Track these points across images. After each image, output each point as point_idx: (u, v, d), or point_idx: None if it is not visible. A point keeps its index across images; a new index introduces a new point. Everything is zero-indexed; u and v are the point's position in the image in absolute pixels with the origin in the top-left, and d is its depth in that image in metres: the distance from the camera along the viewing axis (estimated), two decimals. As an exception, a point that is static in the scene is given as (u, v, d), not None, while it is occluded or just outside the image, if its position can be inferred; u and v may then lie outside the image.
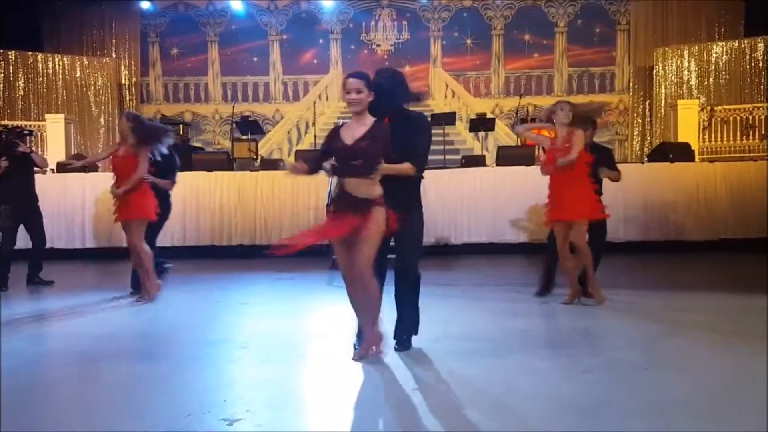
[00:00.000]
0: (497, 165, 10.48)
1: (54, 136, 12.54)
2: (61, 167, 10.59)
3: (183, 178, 9.64)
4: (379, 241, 3.79)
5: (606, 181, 5.91)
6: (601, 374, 3.63)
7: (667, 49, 14.45)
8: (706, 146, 12.49)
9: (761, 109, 12.68)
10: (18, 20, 14.05)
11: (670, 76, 14.33)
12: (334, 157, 3.88)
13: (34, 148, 8.80)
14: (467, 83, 15.54)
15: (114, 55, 15.38)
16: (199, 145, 14.52)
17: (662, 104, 14.33)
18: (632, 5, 15.18)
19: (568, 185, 5.40)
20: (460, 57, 15.57)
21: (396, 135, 3.80)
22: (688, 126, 12.29)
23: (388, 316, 4.09)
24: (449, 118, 12.41)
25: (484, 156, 11.89)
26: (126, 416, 3.11)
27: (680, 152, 10.54)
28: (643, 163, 11.37)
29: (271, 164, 11.33)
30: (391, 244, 4.05)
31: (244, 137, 12.94)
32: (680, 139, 11.75)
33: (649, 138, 14.83)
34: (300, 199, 10.09)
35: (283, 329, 4.97)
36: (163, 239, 7.44)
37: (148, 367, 3.97)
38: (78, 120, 14.11)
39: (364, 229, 3.72)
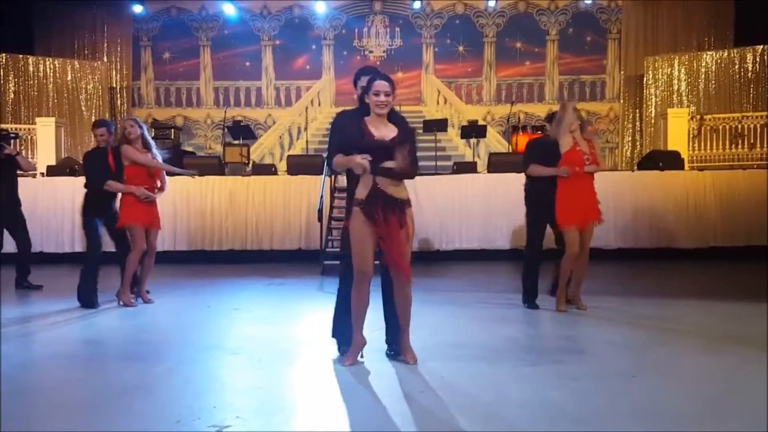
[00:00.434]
0: (488, 172, 10.53)
1: (44, 140, 12.49)
2: (51, 171, 10.55)
3: (174, 182, 9.67)
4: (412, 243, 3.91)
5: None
6: (590, 382, 3.64)
7: (657, 57, 14.57)
8: (696, 155, 12.59)
9: (750, 118, 12.79)
10: (9, 23, 14.00)
11: (660, 84, 14.44)
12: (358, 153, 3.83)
13: (19, 151, 8.71)
14: (459, 90, 15.60)
15: (105, 59, 15.36)
16: (190, 149, 14.52)
17: (652, 112, 14.44)
18: (623, 14, 15.31)
19: (589, 189, 5.63)
20: (452, 64, 15.64)
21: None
22: (677, 134, 12.38)
23: (371, 324, 4.08)
24: (441, 125, 12.47)
25: (476, 163, 11.93)
26: (115, 422, 3.09)
27: (670, 160, 10.61)
28: (633, 170, 11.44)
29: (262, 169, 11.31)
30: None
31: (236, 142, 12.93)
32: (670, 148, 11.84)
33: (639, 146, 14.93)
34: (291, 204, 10.10)
35: (274, 335, 4.96)
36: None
37: (137, 373, 3.95)
38: (69, 123, 14.07)
39: (404, 231, 3.82)
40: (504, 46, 15.56)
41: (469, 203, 10.06)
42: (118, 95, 15.49)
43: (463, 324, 5.33)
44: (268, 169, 11.21)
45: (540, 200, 5.78)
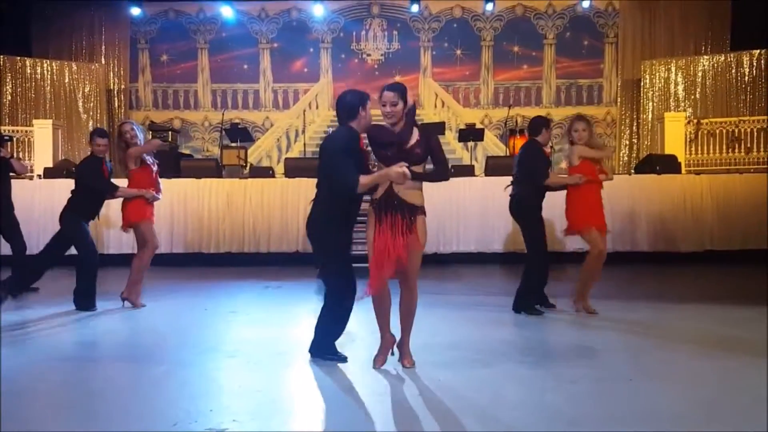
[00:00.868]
0: (486, 175, 10.54)
1: (41, 142, 12.45)
2: (48, 173, 10.53)
3: (171, 185, 9.67)
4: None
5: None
6: (587, 384, 3.64)
7: (654, 62, 14.60)
8: (693, 158, 12.61)
9: (747, 122, 12.83)
10: (7, 24, 13.98)
11: (657, 88, 14.47)
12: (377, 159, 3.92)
13: (14, 155, 8.69)
14: (457, 93, 15.62)
15: (103, 61, 15.35)
16: (187, 151, 14.49)
17: (649, 116, 14.46)
18: (620, 18, 15.34)
19: (599, 197, 5.79)
20: (449, 67, 15.65)
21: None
22: (674, 138, 12.40)
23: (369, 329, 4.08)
24: (439, 128, 12.45)
25: (474, 166, 11.93)
26: (112, 425, 3.09)
27: (667, 164, 10.63)
28: (630, 174, 11.45)
29: (260, 172, 11.30)
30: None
31: (234, 144, 12.91)
32: (667, 151, 11.86)
33: (636, 150, 14.94)
34: (289, 206, 10.09)
35: (271, 338, 4.96)
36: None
37: (134, 375, 3.94)
38: (66, 126, 14.03)
39: (415, 238, 3.84)
40: (501, 49, 15.57)
41: (466, 206, 10.07)
42: (116, 97, 15.47)
43: (460, 326, 5.34)
44: (266, 172, 11.19)
45: (539, 208, 5.83)
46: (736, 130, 12.72)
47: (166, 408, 3.30)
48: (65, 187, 10.06)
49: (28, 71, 14.29)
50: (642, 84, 14.65)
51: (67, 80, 14.61)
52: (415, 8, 15.21)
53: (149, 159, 6.37)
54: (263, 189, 10.23)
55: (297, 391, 3.65)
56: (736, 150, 12.62)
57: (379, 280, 3.78)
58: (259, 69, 15.68)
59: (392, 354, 4.07)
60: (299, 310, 6.30)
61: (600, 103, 15.47)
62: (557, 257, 7.63)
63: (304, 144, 14.27)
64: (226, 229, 10.13)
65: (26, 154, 12.53)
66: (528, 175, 5.81)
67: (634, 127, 15.10)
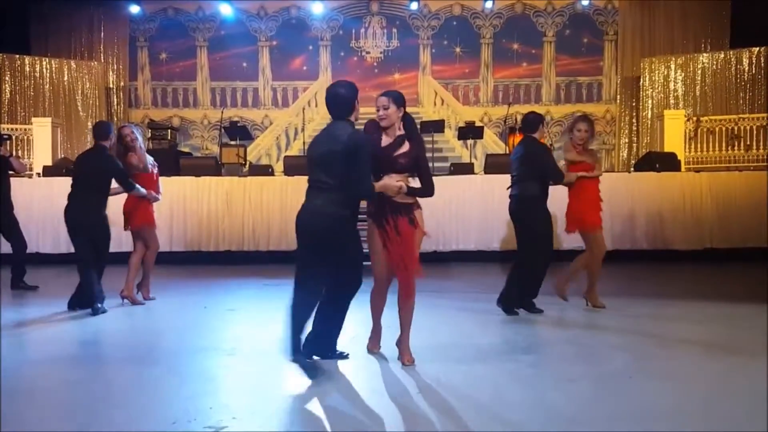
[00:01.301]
0: (485, 173, 10.53)
1: (41, 140, 12.44)
2: (48, 171, 10.52)
3: (170, 183, 9.66)
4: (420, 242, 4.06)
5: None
6: (586, 383, 3.64)
7: (654, 59, 14.59)
8: (692, 156, 12.61)
9: (746, 119, 12.83)
10: (5, 23, 13.96)
11: (657, 86, 14.47)
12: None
13: (13, 153, 8.66)
14: (456, 91, 15.61)
15: (102, 59, 15.34)
16: (187, 150, 14.48)
17: (649, 114, 14.46)
18: (619, 16, 15.33)
19: (598, 195, 5.87)
20: (449, 65, 15.64)
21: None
22: (674, 136, 12.39)
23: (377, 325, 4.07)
24: (438, 126, 12.46)
25: (473, 164, 11.92)
26: (111, 423, 3.08)
27: (667, 162, 10.62)
28: (630, 172, 11.45)
29: (259, 170, 11.30)
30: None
31: (233, 142, 12.91)
32: (667, 149, 11.85)
33: (635, 148, 14.94)
34: (288, 204, 10.07)
35: (270, 336, 4.94)
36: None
37: (133, 374, 3.94)
38: (65, 124, 14.02)
39: (418, 231, 4.01)
40: (501, 47, 15.56)
41: (466, 204, 10.06)
42: (115, 96, 15.46)
43: (459, 325, 5.34)
44: (265, 170, 11.19)
45: (545, 205, 5.75)
46: (736, 128, 12.71)
47: (166, 406, 3.29)
48: (64, 185, 10.12)
49: (27, 69, 14.28)
50: (641, 82, 14.64)
51: (66, 78, 14.59)
52: (414, 6, 15.20)
53: (150, 161, 6.42)
54: (263, 187, 10.23)
55: (296, 389, 3.65)
56: (736, 147, 12.62)
57: (415, 274, 3.96)
58: (259, 67, 15.66)
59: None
60: (299, 308, 6.28)
61: (599, 101, 15.47)
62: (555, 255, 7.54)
63: (304, 142, 14.24)
64: (226, 227, 10.13)
65: (25, 152, 12.52)
66: (541, 173, 5.63)
67: (634, 125, 15.10)
